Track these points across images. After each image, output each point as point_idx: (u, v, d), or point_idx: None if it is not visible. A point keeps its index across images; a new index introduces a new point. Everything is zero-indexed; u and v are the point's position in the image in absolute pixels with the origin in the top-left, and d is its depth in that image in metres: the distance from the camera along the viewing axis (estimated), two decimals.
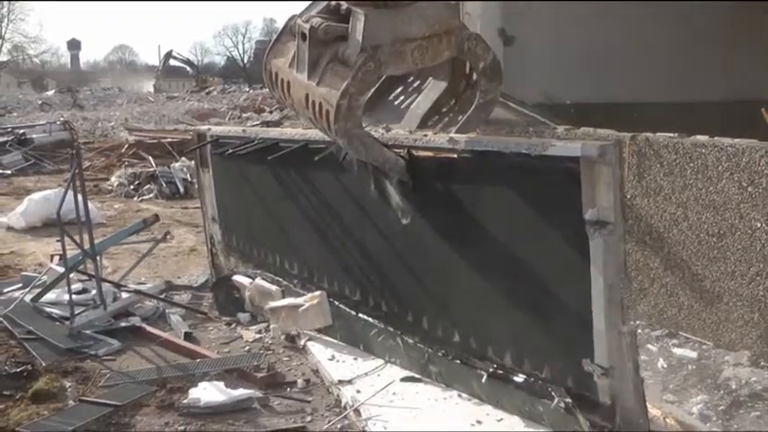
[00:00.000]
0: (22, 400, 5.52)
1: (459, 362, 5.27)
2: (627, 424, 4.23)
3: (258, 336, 6.70)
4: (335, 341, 6.27)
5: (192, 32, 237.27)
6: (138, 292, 7.58)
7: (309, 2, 5.17)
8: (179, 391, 5.60)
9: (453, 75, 5.56)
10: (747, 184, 5.82)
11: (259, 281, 7.06)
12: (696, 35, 9.72)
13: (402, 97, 5.93)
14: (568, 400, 4.47)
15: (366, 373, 5.72)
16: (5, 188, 16.00)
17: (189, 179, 14.87)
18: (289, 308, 6.49)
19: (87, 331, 6.70)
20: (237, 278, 7.36)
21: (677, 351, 6.13)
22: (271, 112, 22.03)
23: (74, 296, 6.96)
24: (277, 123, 19.70)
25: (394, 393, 5.38)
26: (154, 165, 15.58)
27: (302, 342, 6.38)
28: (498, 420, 4.98)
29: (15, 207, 12.21)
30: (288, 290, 6.74)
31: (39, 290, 7.38)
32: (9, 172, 17.84)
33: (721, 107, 7.69)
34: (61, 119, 22.69)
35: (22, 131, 20.63)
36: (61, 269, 7.31)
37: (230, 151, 7.08)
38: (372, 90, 5.01)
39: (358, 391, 5.42)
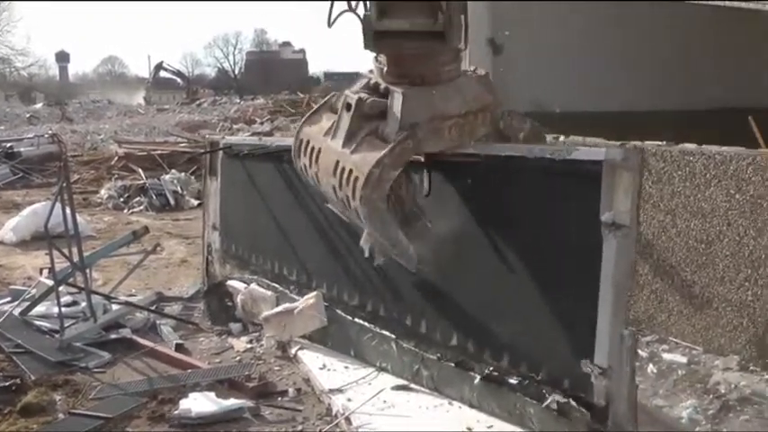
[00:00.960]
0: (11, 414, 5.48)
1: (452, 365, 5.28)
2: (617, 426, 4.24)
3: (249, 346, 6.70)
4: (327, 350, 6.27)
5: (182, 43, 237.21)
6: (128, 303, 7.56)
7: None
8: (170, 402, 5.59)
9: None
10: (735, 192, 5.86)
11: (254, 286, 7.07)
12: (684, 44, 9.80)
13: None
14: (562, 399, 4.50)
15: (357, 382, 5.72)
16: None
17: (179, 191, 14.87)
18: (283, 314, 6.50)
19: (77, 344, 6.67)
20: (231, 283, 7.37)
21: (667, 356, 6.15)
22: (261, 123, 22.07)
23: (63, 309, 6.94)
24: (268, 134, 19.69)
25: (384, 401, 5.38)
26: (144, 177, 15.56)
27: (293, 351, 6.38)
28: (488, 427, 4.98)
29: (4, 221, 12.17)
30: (283, 296, 6.75)
31: (28, 303, 7.36)
32: None
33: (709, 115, 7.74)
34: (49, 131, 22.63)
35: (9, 145, 20.52)
36: (50, 282, 7.29)
37: (244, 152, 7.26)
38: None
39: (349, 400, 5.42)
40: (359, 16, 4.90)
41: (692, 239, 6.16)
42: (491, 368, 5.00)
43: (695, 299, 6.19)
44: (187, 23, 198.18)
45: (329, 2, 4.90)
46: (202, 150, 8.55)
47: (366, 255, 5.42)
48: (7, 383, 5.90)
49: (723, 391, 5.53)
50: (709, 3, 7.35)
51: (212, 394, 5.59)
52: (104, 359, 6.48)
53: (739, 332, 5.93)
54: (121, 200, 14.82)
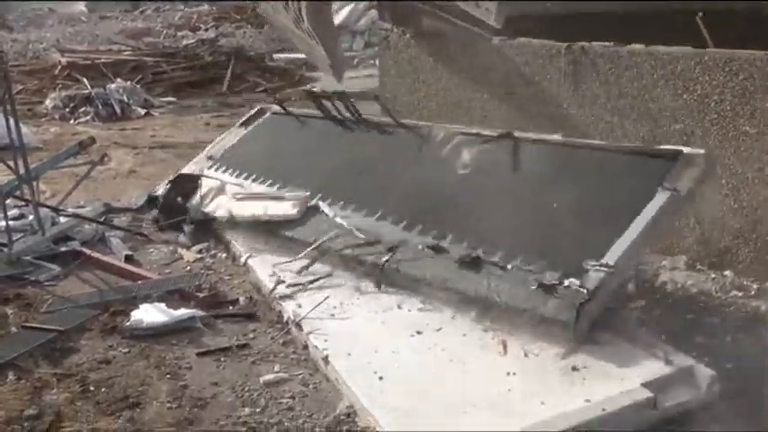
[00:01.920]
0: None
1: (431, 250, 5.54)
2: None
3: (199, 256, 6.68)
4: (277, 257, 6.27)
5: None
6: (76, 215, 7.46)
7: None
8: (121, 313, 5.59)
9: None
10: (682, 92, 5.89)
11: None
12: None
13: None
14: (551, 281, 4.79)
15: (306, 287, 5.76)
16: None
17: (126, 100, 14.57)
18: (263, 196, 6.75)
19: (26, 257, 6.61)
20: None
21: None
22: (206, 30, 21.50)
23: (11, 222, 6.86)
24: (213, 41, 19.25)
25: (335, 307, 5.44)
26: (89, 86, 15.17)
27: (243, 260, 6.39)
28: (437, 330, 5.07)
29: None
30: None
31: None
32: None
33: (657, 16, 7.69)
34: None
35: None
36: None
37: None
38: None
39: (299, 306, 5.45)
40: None
41: (640, 140, 6.19)
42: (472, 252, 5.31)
43: None
44: None
45: None
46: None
47: None
48: None
49: (670, 290, 5.65)
50: None
51: (163, 305, 5.59)
52: (54, 272, 6.44)
53: (687, 232, 6.03)
54: (67, 110, 14.46)
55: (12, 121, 6.77)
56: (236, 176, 7.61)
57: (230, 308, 5.75)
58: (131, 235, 7.31)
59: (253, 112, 8.86)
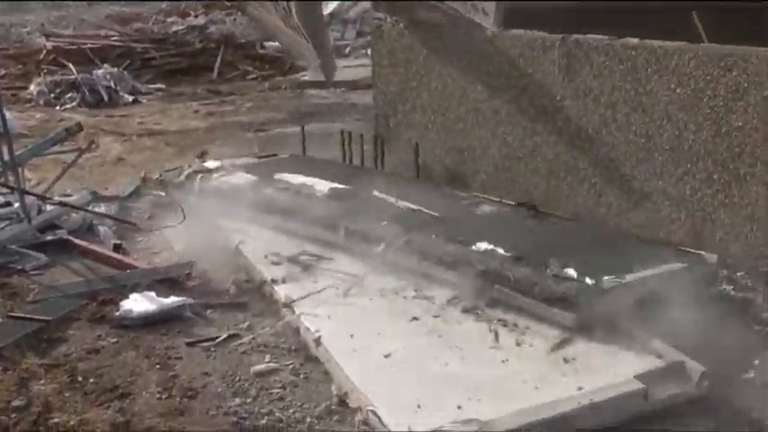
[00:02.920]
0: None
1: None
2: None
3: (188, 245, 6.62)
4: (268, 240, 6.33)
5: None
6: (63, 204, 7.38)
7: None
8: (110, 303, 5.54)
9: None
10: (676, 86, 5.88)
11: None
12: None
13: None
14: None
15: (299, 272, 5.79)
16: None
17: (113, 87, 14.46)
18: None
19: (12, 246, 6.53)
20: None
21: None
22: (196, 17, 21.38)
23: None
24: (203, 28, 19.13)
25: (328, 291, 5.48)
26: (75, 72, 15.05)
27: (234, 245, 6.36)
28: (435, 316, 5.11)
29: None
30: None
31: None
32: None
33: (652, 10, 7.67)
34: None
35: None
36: None
37: None
38: None
39: (292, 290, 5.46)
40: None
41: (632, 134, 6.20)
42: None
43: (634, 193, 6.26)
44: None
45: None
46: None
47: None
48: None
49: None
50: None
51: (153, 294, 5.54)
52: (41, 261, 6.37)
53: (677, 226, 6.03)
54: (53, 96, 14.35)
55: None
56: None
57: (221, 296, 5.70)
58: (120, 224, 7.25)
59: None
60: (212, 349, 5.01)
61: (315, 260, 5.97)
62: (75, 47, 16.82)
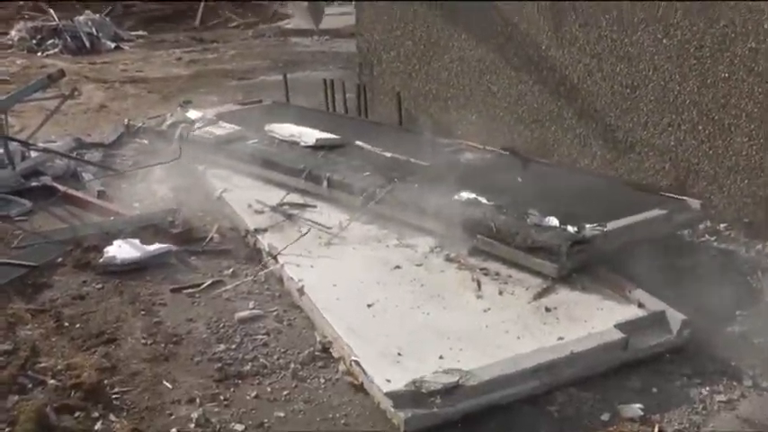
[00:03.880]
0: None
1: None
2: None
3: (172, 193, 6.61)
4: (253, 187, 6.37)
5: None
6: (47, 150, 7.35)
7: None
8: (95, 249, 5.55)
9: None
10: (662, 36, 5.86)
11: None
12: None
13: None
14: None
15: (282, 221, 5.81)
16: None
17: (95, 33, 14.30)
18: None
19: None
20: None
21: None
22: None
23: None
24: None
25: (312, 239, 5.52)
26: (56, 18, 14.87)
27: (218, 194, 6.36)
28: (417, 265, 5.14)
29: None
30: None
31: None
32: None
33: None
34: None
35: None
36: None
37: None
38: None
39: (275, 239, 5.49)
40: None
41: (618, 84, 6.19)
42: None
43: (619, 143, 6.27)
44: None
45: None
46: None
47: None
48: None
49: None
50: None
51: (137, 241, 5.55)
52: (26, 207, 6.37)
53: (661, 176, 6.06)
54: (34, 42, 14.20)
55: None
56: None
57: (204, 243, 5.71)
58: (104, 170, 7.22)
59: None
60: (197, 296, 5.04)
61: (298, 209, 5.97)
62: None
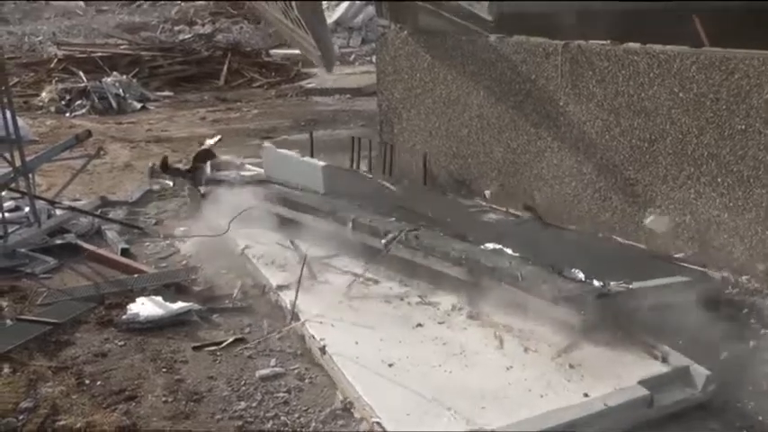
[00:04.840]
0: None
1: None
2: None
3: (195, 250, 6.66)
4: (274, 246, 6.38)
5: None
6: (72, 208, 7.45)
7: None
8: (118, 306, 5.60)
9: None
10: (678, 90, 5.89)
11: None
12: None
13: None
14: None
15: (304, 277, 5.77)
16: None
17: (122, 94, 14.56)
18: None
19: (22, 249, 6.61)
20: None
21: None
22: (203, 25, 21.51)
23: (6, 214, 6.85)
24: (210, 36, 19.27)
25: (334, 297, 5.50)
26: (85, 80, 15.17)
27: (240, 249, 6.39)
28: (440, 323, 5.14)
29: None
30: None
31: None
32: None
33: (654, 15, 7.70)
34: None
35: None
36: None
37: None
38: None
39: (297, 297, 5.48)
40: None
41: (636, 138, 6.20)
42: None
43: (638, 197, 6.27)
44: None
45: None
46: None
47: None
48: None
49: None
50: None
51: (159, 298, 5.60)
52: (50, 265, 6.44)
53: (682, 229, 6.03)
54: (63, 103, 14.47)
55: (8, 113, 6.76)
56: None
57: (226, 301, 5.74)
58: (127, 228, 7.31)
59: None
60: (218, 353, 5.05)
61: (321, 261, 5.99)
62: (85, 55, 16.97)
